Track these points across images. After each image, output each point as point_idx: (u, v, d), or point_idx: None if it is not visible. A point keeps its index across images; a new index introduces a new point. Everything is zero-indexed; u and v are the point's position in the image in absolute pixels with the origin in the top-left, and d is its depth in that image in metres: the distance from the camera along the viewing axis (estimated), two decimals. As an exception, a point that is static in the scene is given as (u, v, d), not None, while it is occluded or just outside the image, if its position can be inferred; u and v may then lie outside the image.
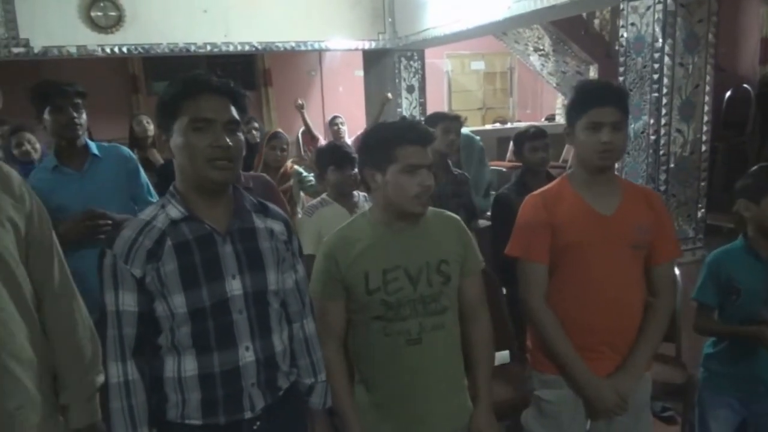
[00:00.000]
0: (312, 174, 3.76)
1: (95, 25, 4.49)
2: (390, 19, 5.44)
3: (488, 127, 8.75)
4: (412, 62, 5.68)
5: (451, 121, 2.99)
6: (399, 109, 5.63)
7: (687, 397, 2.39)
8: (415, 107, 5.74)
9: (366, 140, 1.56)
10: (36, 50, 4.37)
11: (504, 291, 2.74)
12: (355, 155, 2.56)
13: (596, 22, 7.31)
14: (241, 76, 7.86)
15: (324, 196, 2.67)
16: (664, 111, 2.99)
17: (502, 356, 2.58)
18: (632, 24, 3.06)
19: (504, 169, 6.32)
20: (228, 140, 1.23)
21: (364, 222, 1.58)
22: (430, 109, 5.06)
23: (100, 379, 1.39)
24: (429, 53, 6.02)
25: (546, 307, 1.69)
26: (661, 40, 2.93)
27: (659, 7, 2.91)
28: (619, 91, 1.66)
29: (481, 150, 4.06)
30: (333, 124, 5.20)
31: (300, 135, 6.91)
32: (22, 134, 3.52)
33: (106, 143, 2.31)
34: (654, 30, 2.95)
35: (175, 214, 1.26)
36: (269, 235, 1.35)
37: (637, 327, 1.70)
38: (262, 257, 1.32)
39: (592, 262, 1.65)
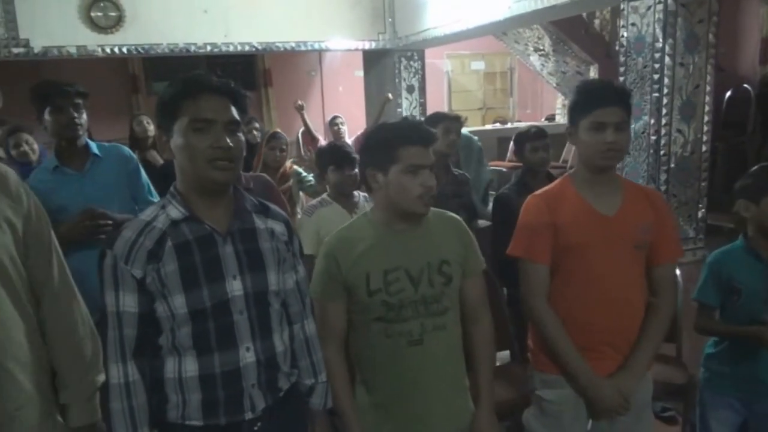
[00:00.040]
0: (311, 174, 3.76)
1: (95, 26, 4.49)
2: (390, 19, 5.45)
3: (488, 127, 8.75)
4: (412, 62, 5.69)
5: (451, 122, 2.99)
6: (399, 110, 5.64)
7: (688, 398, 2.39)
8: (415, 107, 5.75)
9: (368, 140, 1.56)
10: (36, 50, 4.37)
11: (504, 291, 2.74)
12: (355, 155, 2.56)
13: (596, 22, 7.31)
14: (241, 76, 7.86)
15: (324, 196, 2.67)
16: (664, 111, 3.00)
17: (503, 356, 2.58)
18: (633, 24, 3.06)
19: (504, 169, 6.33)
20: (229, 141, 1.23)
21: (365, 222, 1.58)
22: (431, 109, 5.07)
23: (101, 378, 1.38)
24: (429, 53, 6.03)
25: (547, 307, 1.69)
26: (661, 40, 2.93)
27: (660, 7, 2.92)
28: (623, 91, 1.66)
29: (480, 150, 4.06)
30: (333, 124, 5.20)
31: (300, 135, 6.90)
32: (19, 135, 3.49)
33: (107, 143, 2.31)
34: (654, 30, 2.95)
35: (175, 214, 1.26)
36: (270, 236, 1.35)
37: (639, 327, 1.70)
38: (263, 258, 1.32)
39: (594, 262, 1.65)
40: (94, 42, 4.52)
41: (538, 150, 2.76)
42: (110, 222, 2.04)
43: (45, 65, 5.47)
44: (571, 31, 6.80)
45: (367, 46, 5.51)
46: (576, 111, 1.65)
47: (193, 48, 4.82)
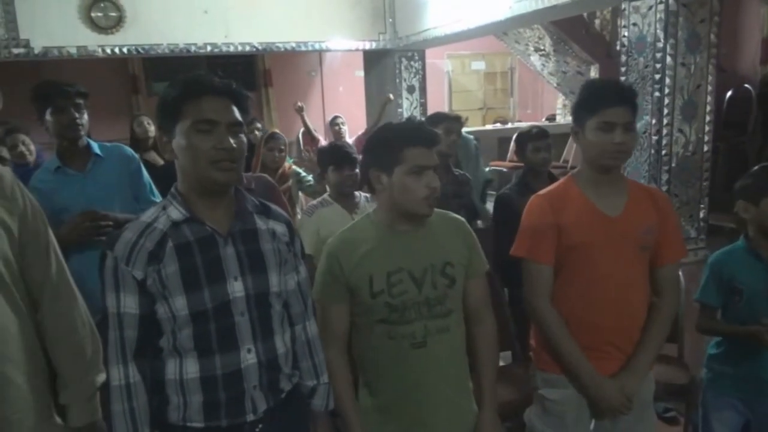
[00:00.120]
0: (311, 175, 3.76)
1: (95, 26, 4.49)
2: (390, 20, 5.45)
3: (489, 127, 8.75)
4: (412, 62, 5.68)
5: (452, 122, 2.99)
6: (399, 110, 5.64)
7: (689, 398, 2.38)
8: (415, 107, 5.75)
9: (372, 141, 1.55)
10: (36, 51, 4.37)
11: (505, 291, 2.74)
12: (356, 155, 2.56)
13: (597, 22, 7.31)
14: (242, 76, 7.86)
15: (325, 196, 2.67)
16: (666, 111, 3.00)
17: (504, 357, 2.58)
18: (634, 24, 3.06)
19: (505, 170, 6.33)
20: (232, 142, 1.23)
21: (368, 224, 1.57)
22: (431, 110, 5.07)
23: (101, 378, 1.38)
24: (429, 53, 6.03)
25: (551, 307, 1.69)
26: (662, 40, 2.93)
27: (661, 7, 2.91)
28: (631, 91, 1.64)
29: (477, 149, 4.08)
30: (334, 125, 5.20)
31: (300, 136, 6.91)
32: (16, 136, 3.45)
33: (108, 143, 2.30)
34: (656, 30, 2.95)
35: (176, 215, 1.25)
36: (271, 237, 1.35)
37: (642, 327, 1.70)
38: (264, 259, 1.31)
39: (598, 263, 1.64)
40: (94, 42, 4.52)
41: (539, 150, 2.75)
42: (111, 223, 2.03)
43: (45, 65, 5.47)
44: (571, 31, 6.80)
45: (367, 46, 5.50)
46: (583, 110, 1.63)
47: (193, 48, 4.82)
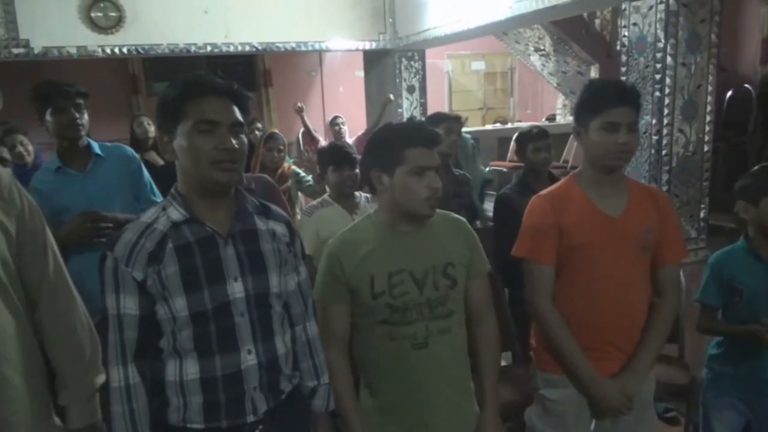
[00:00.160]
0: (310, 175, 3.76)
1: (95, 26, 4.49)
2: (390, 20, 5.44)
3: (489, 127, 8.74)
4: (412, 62, 5.68)
5: (452, 122, 2.99)
6: (399, 110, 5.63)
7: (690, 398, 2.38)
8: (415, 107, 5.74)
9: (373, 141, 1.55)
10: (36, 51, 4.36)
11: (506, 292, 2.74)
12: (356, 155, 2.55)
13: (597, 22, 7.31)
14: (242, 76, 7.86)
15: (325, 196, 2.66)
16: (666, 111, 2.99)
17: (505, 357, 2.58)
18: (634, 24, 3.05)
19: (505, 170, 6.32)
20: (234, 142, 1.23)
21: (369, 224, 1.56)
22: (431, 110, 5.06)
23: (100, 379, 1.38)
24: (429, 53, 6.02)
25: (552, 307, 1.68)
26: (663, 40, 2.92)
27: (661, 7, 2.91)
28: (635, 91, 1.64)
29: (474, 148, 4.08)
30: (334, 125, 5.20)
31: (300, 136, 6.91)
32: (14, 137, 3.45)
33: (109, 143, 2.30)
34: (656, 30, 2.94)
35: (176, 216, 1.25)
36: (271, 237, 1.34)
37: (642, 327, 1.69)
38: (264, 259, 1.31)
39: (599, 263, 1.64)
40: (94, 42, 4.51)
41: (540, 150, 2.75)
42: (111, 225, 2.03)
43: (45, 66, 5.47)
44: (571, 31, 6.79)
45: (367, 46, 5.50)
46: (586, 110, 1.63)
47: (193, 48, 4.81)
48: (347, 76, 8.10)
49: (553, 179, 2.67)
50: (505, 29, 6.52)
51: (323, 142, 5.15)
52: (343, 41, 5.38)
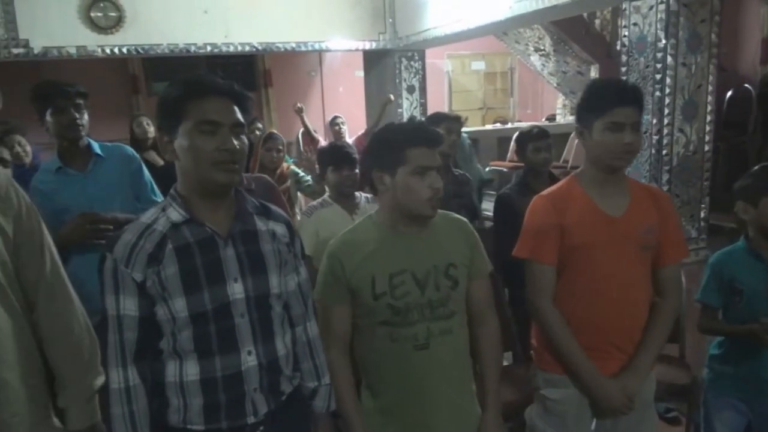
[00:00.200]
0: (309, 175, 3.76)
1: (95, 26, 4.49)
2: (390, 20, 5.44)
3: (488, 127, 8.74)
4: (412, 62, 5.68)
5: (452, 122, 2.99)
6: (399, 110, 5.64)
7: (691, 398, 2.38)
8: (415, 107, 5.75)
9: (374, 142, 1.54)
10: (36, 51, 4.37)
11: (506, 292, 2.73)
12: (355, 156, 2.55)
13: (597, 22, 7.32)
14: (242, 76, 7.86)
15: (325, 197, 2.66)
16: (666, 111, 2.99)
17: (505, 357, 2.57)
18: (635, 24, 3.06)
19: (505, 170, 6.32)
20: (235, 143, 1.22)
21: (370, 225, 1.56)
22: (431, 110, 5.07)
23: (99, 381, 1.37)
24: (429, 53, 6.03)
25: (553, 307, 1.68)
26: (663, 40, 2.92)
27: (662, 7, 2.91)
28: (638, 91, 1.63)
29: (471, 148, 4.09)
30: (334, 124, 5.20)
31: (300, 136, 6.91)
32: (12, 137, 3.44)
33: (109, 143, 2.30)
34: (656, 30, 2.95)
35: (176, 217, 1.24)
36: (271, 238, 1.34)
37: (643, 327, 1.69)
38: (264, 260, 1.31)
39: (600, 263, 1.64)
40: (94, 42, 4.52)
41: (540, 150, 2.75)
42: (111, 227, 2.03)
43: (45, 66, 5.46)
44: (571, 31, 6.80)
45: (367, 46, 5.50)
46: (589, 110, 1.62)
47: (193, 48, 4.82)
48: (347, 76, 8.10)
49: (554, 179, 2.67)
50: (505, 29, 6.53)
51: (323, 143, 5.14)
52: (343, 41, 5.38)
